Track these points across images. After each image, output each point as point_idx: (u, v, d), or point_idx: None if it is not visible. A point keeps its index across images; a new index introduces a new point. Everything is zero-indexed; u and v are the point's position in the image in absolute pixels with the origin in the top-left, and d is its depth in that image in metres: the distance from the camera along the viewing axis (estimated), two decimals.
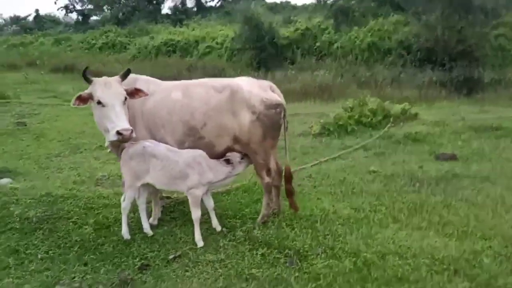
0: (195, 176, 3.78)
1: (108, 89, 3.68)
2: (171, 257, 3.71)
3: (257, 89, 4.04)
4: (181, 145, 3.99)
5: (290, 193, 4.32)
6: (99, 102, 3.67)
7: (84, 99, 3.76)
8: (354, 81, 16.19)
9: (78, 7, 41.28)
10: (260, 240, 3.89)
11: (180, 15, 34.96)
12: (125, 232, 4.05)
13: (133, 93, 3.84)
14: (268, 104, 3.98)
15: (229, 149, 4.05)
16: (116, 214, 4.39)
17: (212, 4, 41.89)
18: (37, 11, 43.39)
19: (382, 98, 10.88)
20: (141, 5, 35.29)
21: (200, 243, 3.88)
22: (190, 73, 20.12)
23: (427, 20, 17.12)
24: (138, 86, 3.97)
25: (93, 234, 4.15)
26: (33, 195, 4.87)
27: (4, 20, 46.70)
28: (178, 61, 23.84)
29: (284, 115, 4.15)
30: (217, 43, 24.37)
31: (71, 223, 4.33)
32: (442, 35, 16.07)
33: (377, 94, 13.41)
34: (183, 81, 4.31)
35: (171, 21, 33.53)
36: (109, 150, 4.19)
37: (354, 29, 19.91)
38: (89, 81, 3.76)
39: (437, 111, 10.33)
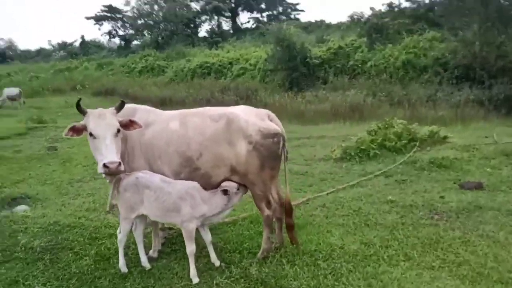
0: (187, 208, 3.68)
1: (101, 120, 3.69)
2: None
3: (254, 118, 3.92)
4: (177, 176, 3.92)
5: (290, 227, 4.13)
6: (91, 134, 3.68)
7: (77, 130, 3.79)
8: (387, 101, 15.73)
9: (121, 32, 43.28)
10: (256, 279, 3.71)
11: (216, 37, 35.67)
12: (122, 265, 3.99)
13: (128, 124, 3.83)
14: (266, 134, 3.85)
15: (227, 180, 3.94)
16: None
17: (248, 26, 42.68)
18: (82, 37, 45.81)
19: (415, 118, 10.48)
20: (179, 29, 36.35)
21: (195, 279, 3.75)
22: (223, 94, 20.45)
23: (464, 35, 16.48)
24: (138, 116, 3.97)
25: (92, 266, 4.13)
26: (41, 224, 4.96)
27: (53, 46, 49.48)
28: (212, 83, 24.23)
29: (284, 144, 4.01)
30: (250, 64, 24.63)
31: (72, 254, 4.33)
32: (480, 51, 15.38)
33: (411, 114, 12.97)
34: (182, 111, 4.26)
35: (208, 44, 34.29)
36: (108, 180, 4.18)
37: (388, 47, 19.51)
38: (83, 113, 3.79)
39: (471, 132, 9.76)
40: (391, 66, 18.83)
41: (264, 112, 4.10)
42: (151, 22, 38.12)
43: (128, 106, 4.02)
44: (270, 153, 3.88)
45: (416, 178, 6.49)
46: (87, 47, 44.71)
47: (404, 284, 3.52)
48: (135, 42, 42.10)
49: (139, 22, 39.64)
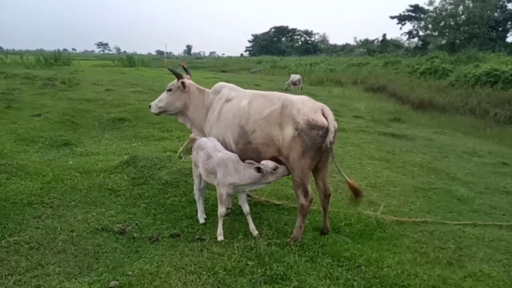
0: (220, 175, 4.17)
1: None
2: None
3: (306, 109, 4.01)
4: (236, 145, 4.44)
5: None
6: None
7: None
8: None
9: (421, 32, 42.54)
10: (260, 254, 3.88)
11: None
12: (199, 216, 4.69)
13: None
14: (312, 124, 3.92)
15: (275, 158, 4.19)
16: None
17: None
18: (384, 35, 47.56)
19: None
20: (481, 31, 32.77)
21: (219, 237, 4.19)
22: (497, 108, 17.99)
23: None
24: (223, 91, 4.78)
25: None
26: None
27: (356, 42, 53.55)
28: (492, 93, 21.11)
29: (331, 140, 3.93)
30: None
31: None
32: None
33: None
34: (256, 91, 4.68)
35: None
36: None
37: None
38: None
39: None
40: None
41: (320, 105, 4.10)
42: (452, 23, 35.81)
43: (219, 83, 4.84)
44: (313, 143, 3.93)
45: None
46: (386, 45, 46.29)
47: None
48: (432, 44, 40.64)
49: (440, 23, 37.92)
